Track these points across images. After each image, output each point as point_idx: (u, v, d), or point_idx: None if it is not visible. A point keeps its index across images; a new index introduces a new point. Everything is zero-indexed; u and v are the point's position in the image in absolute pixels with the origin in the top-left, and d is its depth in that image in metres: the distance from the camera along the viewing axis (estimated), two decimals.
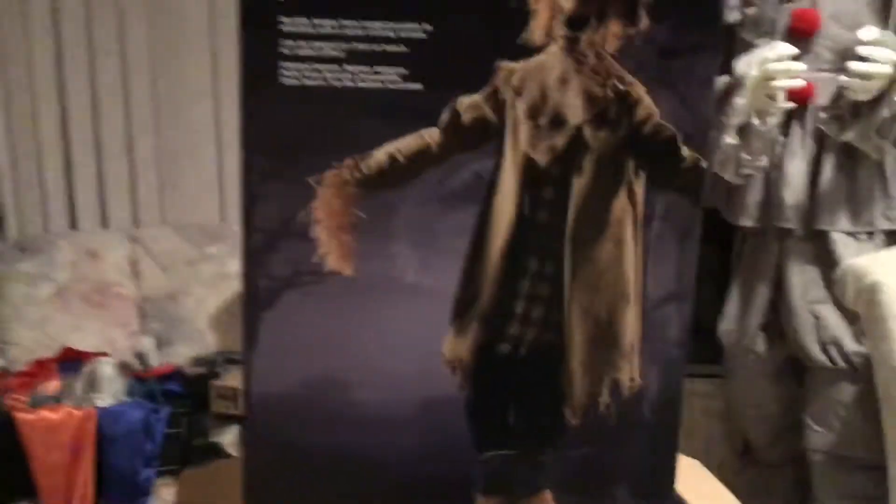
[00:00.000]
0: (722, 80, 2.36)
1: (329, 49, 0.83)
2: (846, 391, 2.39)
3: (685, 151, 0.89)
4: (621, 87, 0.87)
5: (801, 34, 2.33)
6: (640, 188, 0.90)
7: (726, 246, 2.77)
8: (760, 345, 2.51)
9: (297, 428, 0.92)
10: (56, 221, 2.97)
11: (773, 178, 2.35)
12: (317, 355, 0.90)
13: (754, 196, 2.42)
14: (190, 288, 2.82)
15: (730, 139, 2.23)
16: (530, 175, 0.88)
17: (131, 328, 2.73)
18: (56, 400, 2.19)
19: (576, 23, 0.85)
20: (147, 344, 2.43)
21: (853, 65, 2.13)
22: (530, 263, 0.91)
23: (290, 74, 0.84)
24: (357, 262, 0.88)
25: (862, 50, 2.14)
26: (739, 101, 2.22)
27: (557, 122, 0.87)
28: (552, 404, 0.94)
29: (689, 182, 0.90)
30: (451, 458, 0.95)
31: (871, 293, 1.95)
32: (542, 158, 0.88)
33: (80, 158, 2.92)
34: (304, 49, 0.83)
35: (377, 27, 0.83)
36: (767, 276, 2.45)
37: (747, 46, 2.36)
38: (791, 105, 2.22)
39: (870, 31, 2.17)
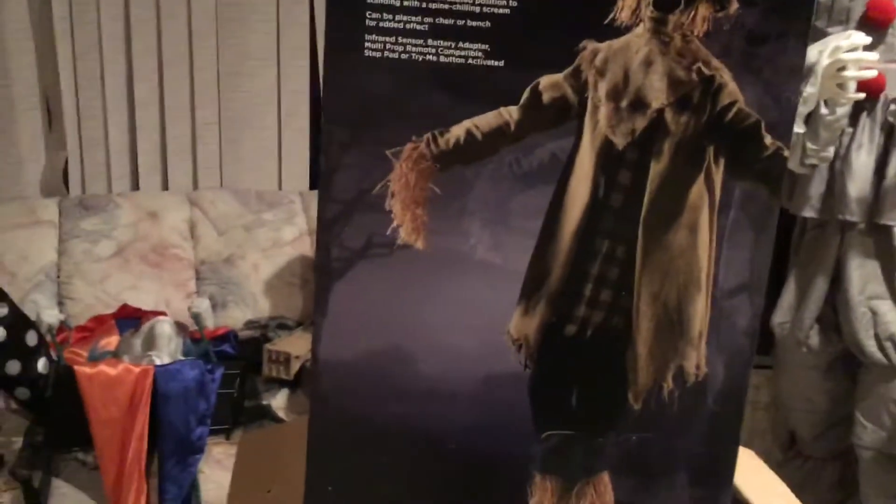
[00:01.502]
0: None
1: (413, 23, 0.84)
2: None
3: (768, 140, 0.88)
4: (707, 71, 0.86)
5: (876, 23, 2.27)
6: (718, 175, 0.89)
7: (784, 236, 2.73)
8: (815, 338, 2.47)
9: (361, 396, 0.93)
10: (119, 182, 3.02)
11: (837, 169, 2.31)
12: (384, 326, 0.91)
13: (818, 187, 2.38)
14: (245, 252, 2.85)
15: (797, 128, 2.19)
16: (607, 158, 0.88)
17: (188, 289, 2.78)
18: (114, 355, 2.25)
19: (664, 4, 0.84)
20: (202, 305, 2.46)
21: None
22: (602, 246, 0.90)
23: (374, 47, 0.84)
24: (429, 236, 0.89)
25: None
26: (809, 89, 2.18)
27: (639, 104, 0.86)
28: (615, 388, 0.94)
29: (770, 171, 0.89)
30: (511, 435, 0.95)
31: None
32: (620, 141, 0.87)
33: (143, 121, 2.97)
34: (389, 22, 0.83)
35: (462, 2, 0.83)
36: (826, 269, 2.41)
37: (820, 34, 2.31)
38: (861, 95, 2.17)
39: None
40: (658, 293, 0.90)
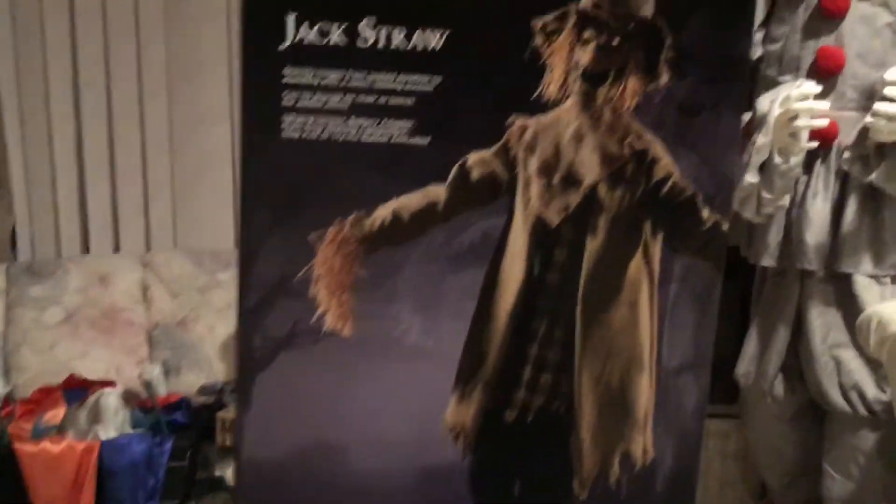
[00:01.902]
0: (744, 117, 2.32)
1: (333, 101, 0.80)
2: (867, 439, 2.31)
3: (706, 213, 0.85)
4: (639, 145, 0.83)
5: (826, 72, 2.27)
6: (657, 250, 0.86)
7: (748, 282, 2.71)
8: (779, 388, 2.44)
9: (289, 497, 0.88)
10: (69, 244, 2.95)
11: (794, 217, 2.30)
12: (312, 419, 0.86)
13: (775, 236, 2.36)
14: (200, 315, 2.78)
15: (751, 177, 2.18)
16: (542, 235, 0.84)
17: (140, 355, 2.69)
18: (59, 430, 2.16)
19: (593, 77, 0.82)
20: (154, 372, 2.38)
21: (879, 105, 2.07)
22: (539, 327, 0.86)
23: (293, 127, 0.80)
24: (357, 322, 0.85)
25: (888, 91, 2.08)
26: (761, 139, 2.17)
27: (571, 180, 0.83)
28: (560, 476, 0.90)
29: (710, 245, 0.86)
30: None
31: (894, 342, 1.88)
32: (554, 218, 0.84)
33: (93, 183, 2.90)
34: (307, 101, 0.80)
35: (384, 79, 0.80)
36: (787, 318, 2.39)
37: (770, 83, 2.32)
38: (814, 144, 2.16)
39: None
40: (600, 375, 0.86)
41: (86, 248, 2.96)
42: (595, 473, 0.89)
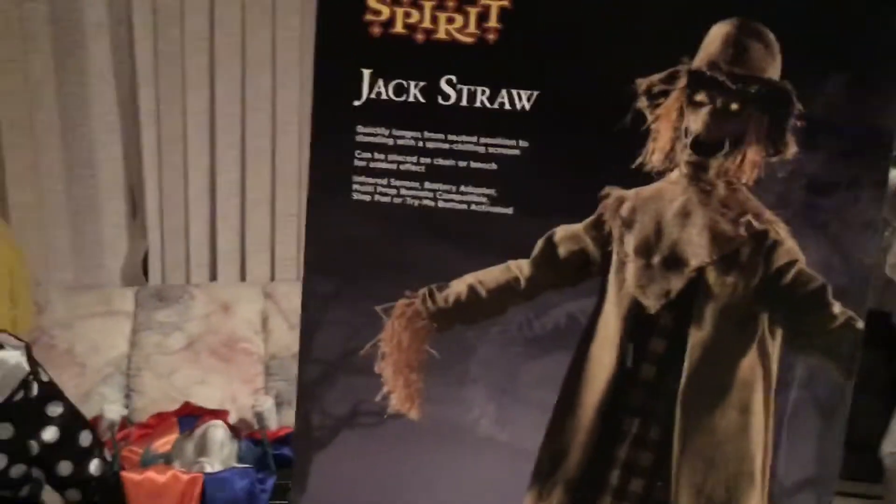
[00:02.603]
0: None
1: (408, 163, 0.73)
2: None
3: (836, 308, 0.72)
4: (758, 225, 0.72)
5: None
6: (775, 348, 0.74)
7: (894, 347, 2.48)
8: None
9: None
10: (198, 271, 3.02)
11: None
12: None
13: None
14: None
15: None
16: (637, 322, 0.74)
17: (255, 385, 2.71)
18: (167, 459, 2.18)
19: (705, 147, 0.71)
20: (267, 405, 2.39)
21: None
22: (631, 426, 0.76)
23: (363, 189, 0.74)
24: (425, 405, 0.77)
25: None
26: None
27: (674, 261, 0.73)
28: None
29: (840, 345, 0.73)
30: None
31: None
32: (652, 304, 0.74)
33: (224, 212, 2.97)
34: (381, 162, 0.73)
35: (465, 141, 0.72)
36: None
37: None
38: None
39: None
40: (702, 486, 0.75)
41: (214, 276, 3.03)
42: None
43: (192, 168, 2.92)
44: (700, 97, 0.70)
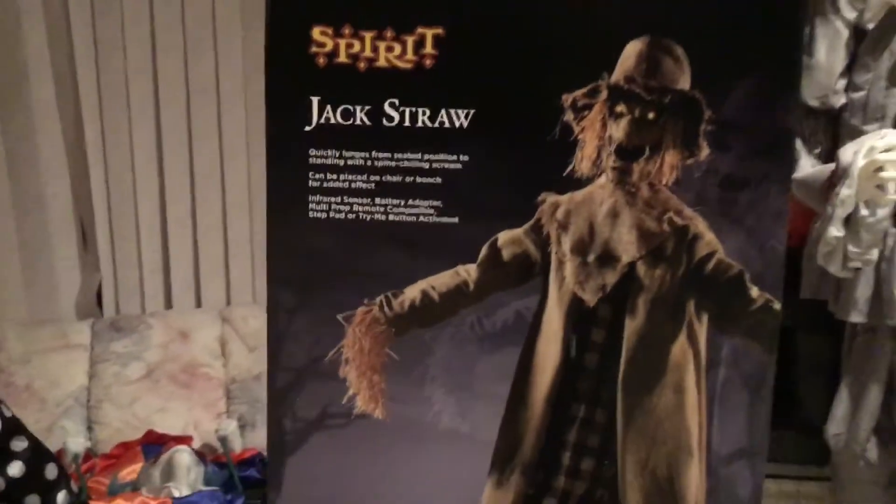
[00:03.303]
0: (827, 168, 2.23)
1: (359, 181, 0.79)
2: None
3: (755, 291, 0.80)
4: (679, 221, 0.79)
5: None
6: (702, 331, 0.81)
7: (837, 340, 2.59)
8: (872, 451, 2.30)
9: None
10: (152, 300, 3.03)
11: (884, 272, 2.19)
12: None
13: (864, 291, 2.25)
14: None
15: (835, 231, 2.08)
16: (578, 315, 0.81)
17: (217, 410, 2.73)
18: (134, 487, 2.20)
19: (627, 153, 0.78)
20: (230, 428, 2.41)
21: None
22: (579, 411, 0.83)
23: (319, 207, 0.80)
24: (388, 404, 0.83)
25: None
26: (845, 191, 2.07)
27: (607, 258, 0.80)
28: None
29: (760, 325, 0.81)
30: None
31: None
32: (590, 298, 0.81)
33: (176, 240, 2.99)
34: (333, 182, 0.79)
35: (410, 158, 0.78)
36: (879, 377, 2.26)
37: (854, 132, 2.23)
38: None
39: None
40: (645, 461, 0.82)
41: (169, 304, 3.04)
42: None
43: (142, 198, 2.93)
44: (620, 108, 0.78)
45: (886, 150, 2.04)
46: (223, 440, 2.42)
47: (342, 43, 0.77)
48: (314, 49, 0.77)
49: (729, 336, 0.81)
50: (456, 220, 0.79)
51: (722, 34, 0.78)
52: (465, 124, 0.78)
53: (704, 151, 0.78)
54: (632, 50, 0.77)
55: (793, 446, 2.89)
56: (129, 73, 2.83)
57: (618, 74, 0.78)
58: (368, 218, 0.79)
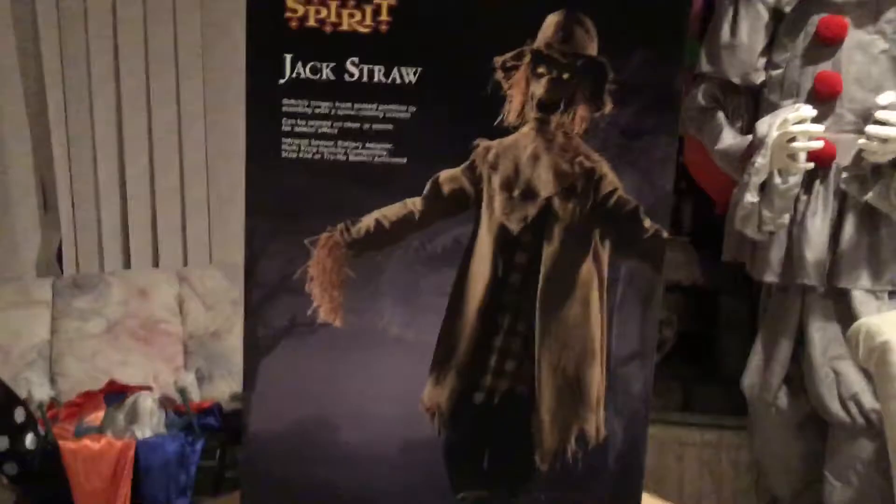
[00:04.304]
0: (745, 140, 2.43)
1: (324, 127, 0.95)
2: (865, 448, 2.40)
3: (647, 222, 0.97)
4: (587, 163, 0.96)
5: (825, 96, 2.37)
6: (605, 255, 0.98)
7: (757, 299, 2.81)
8: (783, 399, 2.53)
9: (290, 465, 1.01)
10: (111, 260, 3.14)
11: (795, 235, 2.39)
12: (309, 398, 1.00)
13: (777, 253, 2.46)
14: (233, 326, 2.95)
15: (751, 197, 2.29)
16: (504, 241, 0.97)
17: (175, 364, 2.87)
18: (99, 430, 2.33)
19: (546, 107, 0.95)
20: (188, 379, 2.57)
21: (871, 128, 2.19)
22: (504, 321, 0.99)
23: (290, 148, 0.95)
24: (346, 315, 0.98)
25: (881, 114, 2.19)
26: (760, 160, 2.27)
27: (529, 194, 0.96)
28: (523, 450, 1.02)
29: (651, 250, 0.98)
30: (430, 496, 1.03)
31: (882, 352, 1.98)
32: (514, 227, 0.97)
33: (135, 202, 3.10)
34: (303, 127, 0.95)
35: (367, 108, 0.94)
36: (790, 331, 2.48)
37: (772, 107, 2.43)
38: (810, 165, 2.27)
39: (889, 96, 2.23)
40: (557, 363, 0.99)
41: (128, 264, 3.16)
42: (554, 448, 1.01)
43: (102, 161, 3.04)
44: (541, 70, 0.94)
45: (798, 122, 2.26)
46: (182, 391, 2.58)
47: (311, 9, 0.92)
48: (288, 14, 0.92)
49: (626, 259, 0.98)
50: (404, 160, 0.95)
51: (623, 11, 0.94)
52: (414, 81, 0.93)
53: (608, 106, 0.94)
54: (550, 21, 0.94)
55: (715, 399, 3.12)
56: (90, 40, 2.94)
57: (539, 42, 0.94)
58: (332, 158, 0.94)
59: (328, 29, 0.92)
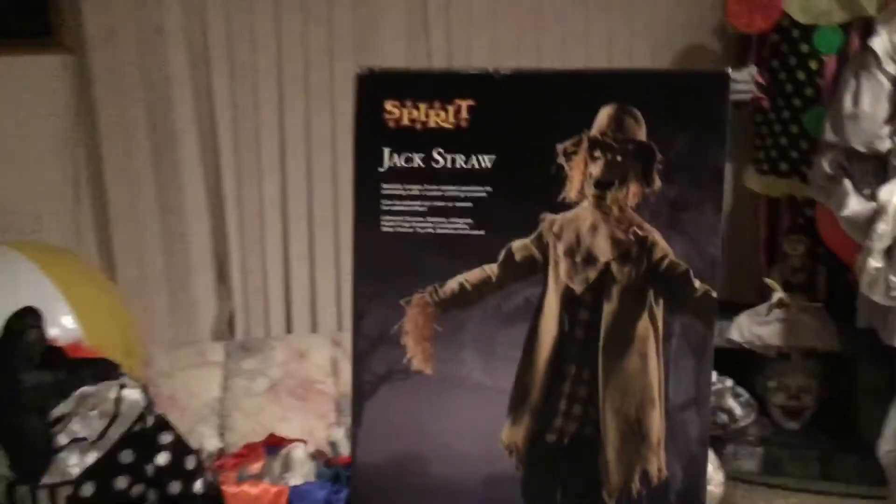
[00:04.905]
0: (870, 206, 2.44)
1: (416, 206, 1.14)
2: None
3: (697, 283, 1.10)
4: (640, 233, 1.10)
5: None
6: (660, 312, 1.11)
7: None
8: None
9: (388, 492, 1.18)
10: (276, 325, 3.47)
11: None
12: (405, 435, 1.17)
13: None
14: None
15: (874, 262, 2.30)
16: (569, 300, 1.12)
17: (329, 420, 3.12)
18: (258, 477, 2.59)
19: (603, 185, 1.11)
20: (339, 434, 2.80)
21: None
22: (571, 370, 1.13)
23: (388, 224, 1.15)
24: (436, 364, 1.15)
25: None
26: (883, 226, 2.29)
27: (590, 259, 1.11)
28: (592, 487, 1.14)
29: (702, 308, 1.10)
30: None
31: None
32: (578, 287, 1.12)
33: (296, 274, 3.42)
34: (398, 206, 1.14)
35: (451, 190, 1.13)
36: None
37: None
38: None
39: None
40: (620, 408, 1.12)
41: (290, 329, 3.47)
42: (620, 486, 1.13)
43: (269, 239, 3.39)
44: (597, 154, 1.10)
45: None
46: (333, 445, 2.82)
47: (405, 111, 1.13)
48: (386, 116, 1.13)
49: (679, 316, 1.10)
50: (483, 232, 1.12)
51: (667, 102, 1.10)
52: (490, 166, 1.11)
53: (657, 183, 1.09)
54: (604, 113, 1.10)
55: (854, 468, 3.03)
56: (260, 132, 3.31)
57: (595, 130, 1.10)
58: (422, 231, 1.13)
59: (419, 126, 1.12)
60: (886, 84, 2.48)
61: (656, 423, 1.12)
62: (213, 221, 3.37)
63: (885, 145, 2.51)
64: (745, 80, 2.69)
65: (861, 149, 2.50)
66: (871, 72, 2.50)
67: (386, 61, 3.33)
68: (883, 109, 2.50)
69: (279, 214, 3.38)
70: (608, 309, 1.12)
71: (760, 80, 2.84)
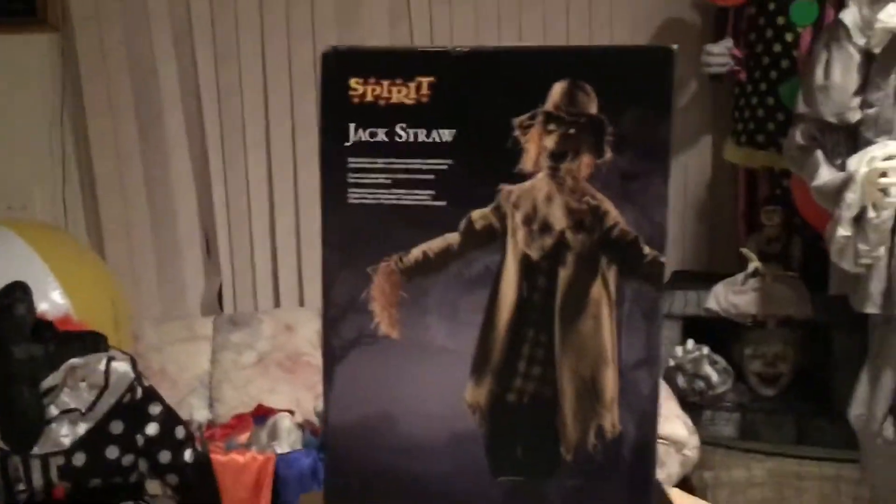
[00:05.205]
0: (840, 176, 2.50)
1: (380, 178, 1.19)
2: None
3: (647, 250, 1.15)
4: (593, 202, 1.16)
5: None
6: (612, 278, 1.17)
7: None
8: (889, 429, 2.54)
9: (359, 451, 1.25)
10: (263, 300, 3.53)
11: (893, 267, 2.43)
12: (374, 397, 1.23)
13: (877, 285, 2.50)
14: None
15: (843, 230, 2.36)
16: (527, 267, 1.18)
17: (316, 391, 3.19)
18: (246, 446, 2.66)
19: (557, 156, 1.16)
20: None
21: None
22: (529, 333, 1.19)
23: (354, 196, 1.20)
24: (401, 329, 1.20)
25: None
26: (850, 195, 2.35)
27: (546, 228, 1.17)
28: (551, 443, 1.21)
29: (651, 273, 1.16)
30: (475, 479, 1.23)
31: None
32: (535, 255, 1.18)
33: (283, 249, 3.48)
34: (364, 179, 1.20)
35: (414, 163, 1.18)
36: (892, 362, 2.50)
37: (868, 144, 2.50)
38: None
39: None
40: (575, 368, 1.18)
41: (277, 304, 3.54)
42: (577, 441, 1.19)
43: (255, 215, 3.45)
44: (551, 127, 1.15)
45: (887, 159, 2.33)
46: (319, 415, 2.88)
47: (369, 88, 1.17)
48: (351, 93, 1.18)
49: (630, 281, 1.15)
50: (444, 203, 1.17)
51: (617, 77, 1.15)
52: (450, 140, 1.16)
53: (608, 155, 1.14)
54: (557, 88, 1.14)
55: (829, 433, 3.11)
56: (244, 109, 3.36)
57: (549, 104, 1.15)
58: (388, 203, 1.18)
59: (382, 102, 1.17)
60: (856, 56, 2.53)
61: (610, 382, 1.18)
62: (201, 197, 3.42)
63: (854, 116, 2.56)
64: (721, 53, 2.73)
65: (832, 120, 2.55)
66: (841, 44, 2.55)
67: (368, 41, 3.37)
68: (853, 81, 2.55)
69: (266, 190, 3.44)
70: (563, 275, 1.17)
71: (737, 52, 2.88)
